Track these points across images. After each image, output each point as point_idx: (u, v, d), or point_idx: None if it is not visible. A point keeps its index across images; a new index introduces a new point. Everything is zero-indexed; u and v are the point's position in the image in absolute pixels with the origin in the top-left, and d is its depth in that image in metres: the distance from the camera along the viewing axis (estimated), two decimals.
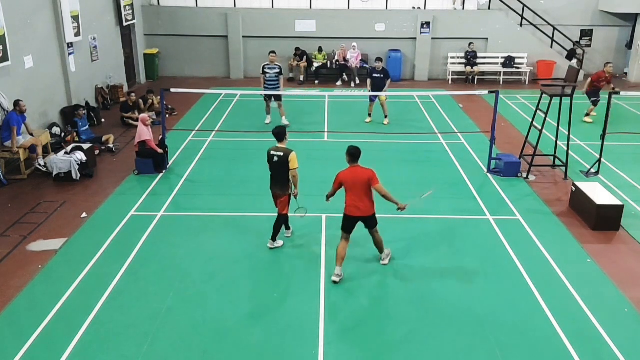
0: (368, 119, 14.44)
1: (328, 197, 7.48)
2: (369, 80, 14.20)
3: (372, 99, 14.27)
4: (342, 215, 7.25)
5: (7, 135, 10.59)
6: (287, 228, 8.47)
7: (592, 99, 14.72)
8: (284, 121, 13.74)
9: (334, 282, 7.13)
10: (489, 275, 7.47)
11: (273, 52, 13.85)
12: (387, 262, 7.65)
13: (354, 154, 7.25)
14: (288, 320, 6.47)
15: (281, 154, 7.72)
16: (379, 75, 13.90)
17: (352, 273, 7.41)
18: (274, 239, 8.11)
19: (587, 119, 14.80)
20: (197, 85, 17.97)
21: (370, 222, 7.29)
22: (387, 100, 14.44)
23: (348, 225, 7.23)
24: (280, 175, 7.79)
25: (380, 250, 7.66)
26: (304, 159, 11.47)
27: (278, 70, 13.59)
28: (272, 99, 13.79)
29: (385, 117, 14.28)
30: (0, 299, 6.80)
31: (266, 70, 13.55)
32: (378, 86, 13.93)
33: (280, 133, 7.86)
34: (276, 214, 8.04)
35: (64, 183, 10.38)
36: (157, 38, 19.79)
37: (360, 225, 7.28)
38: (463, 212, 9.37)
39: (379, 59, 14.08)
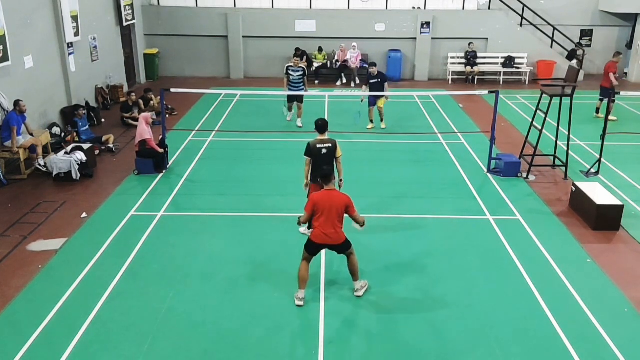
0: (370, 125, 14.03)
1: (300, 223, 6.77)
2: (364, 87, 13.99)
3: (371, 102, 13.94)
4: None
5: (7, 135, 10.58)
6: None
7: (607, 98, 14.23)
8: (299, 123, 13.95)
9: (298, 306, 6.63)
10: (489, 275, 7.47)
11: (297, 55, 14.11)
12: (361, 294, 6.84)
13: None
14: (288, 320, 6.47)
15: (329, 145, 7.91)
16: (375, 81, 13.56)
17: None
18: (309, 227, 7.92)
19: (611, 117, 14.07)
20: (197, 85, 17.96)
21: (342, 248, 6.69)
22: (389, 100, 14.35)
23: (313, 249, 6.68)
24: (329, 165, 7.53)
25: (355, 277, 6.84)
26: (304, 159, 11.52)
27: (301, 72, 13.76)
28: (296, 97, 13.97)
29: (381, 120, 14.00)
30: (0, 299, 6.80)
31: (290, 72, 13.77)
32: (377, 91, 13.59)
33: (324, 125, 7.98)
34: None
35: (64, 183, 10.38)
36: (157, 38, 19.79)
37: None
38: (463, 212, 9.37)
39: (372, 64, 13.70)
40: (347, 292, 7.02)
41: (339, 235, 6.58)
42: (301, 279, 6.68)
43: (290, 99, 14.05)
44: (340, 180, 8.09)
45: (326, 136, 7.98)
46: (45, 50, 13.03)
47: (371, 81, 13.68)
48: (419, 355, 5.93)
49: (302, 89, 13.87)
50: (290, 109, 14.36)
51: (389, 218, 9.11)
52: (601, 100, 14.97)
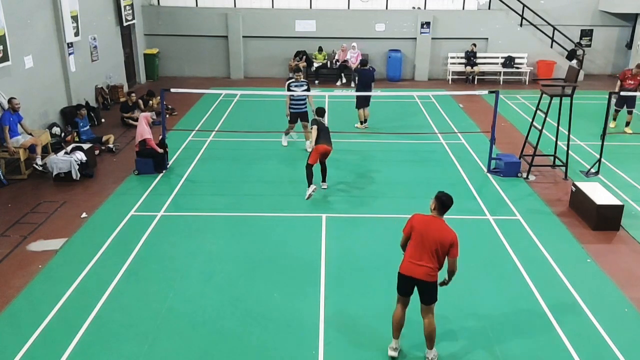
0: (358, 125, 13.98)
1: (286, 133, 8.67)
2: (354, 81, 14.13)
3: (360, 105, 13.73)
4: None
5: (3, 135, 10.52)
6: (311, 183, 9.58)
7: (617, 108, 13.67)
8: (308, 147, 11.76)
9: (392, 358, 5.79)
10: (489, 275, 7.47)
11: (298, 68, 12.47)
12: None
13: (445, 202, 5.69)
14: (288, 320, 6.47)
15: (326, 122, 10.36)
16: (361, 81, 13.60)
17: (352, 271, 7.41)
18: (324, 180, 10.16)
19: (627, 130, 13.60)
20: (197, 85, 17.96)
21: (431, 290, 5.53)
22: (381, 99, 14.34)
23: (403, 288, 5.63)
24: (329, 135, 10.06)
25: (431, 344, 5.71)
26: (304, 159, 11.50)
27: (306, 88, 11.90)
28: (298, 120, 12.05)
29: (365, 121, 13.93)
30: (0, 299, 6.80)
31: (292, 88, 11.75)
32: (364, 88, 13.45)
33: (324, 110, 10.51)
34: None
35: (64, 183, 10.38)
36: (157, 38, 19.79)
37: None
38: (463, 212, 9.36)
39: (364, 62, 14.07)
40: (348, 291, 7.03)
41: (428, 270, 5.42)
42: (394, 324, 5.71)
43: (293, 118, 11.99)
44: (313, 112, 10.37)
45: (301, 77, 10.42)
46: (45, 50, 13.03)
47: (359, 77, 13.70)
48: (418, 355, 5.92)
49: (305, 107, 11.92)
50: (288, 132, 12.36)
51: (389, 218, 9.10)
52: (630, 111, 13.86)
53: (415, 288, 5.54)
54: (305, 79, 12.73)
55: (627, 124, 13.73)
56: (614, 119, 13.94)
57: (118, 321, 6.39)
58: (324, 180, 10.15)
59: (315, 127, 9.83)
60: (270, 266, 7.65)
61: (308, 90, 12.02)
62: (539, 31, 20.18)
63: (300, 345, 6.04)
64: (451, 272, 5.58)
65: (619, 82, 13.78)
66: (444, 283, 5.67)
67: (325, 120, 10.41)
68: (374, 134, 13.40)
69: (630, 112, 13.68)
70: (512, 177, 10.79)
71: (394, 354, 5.73)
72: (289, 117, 12.08)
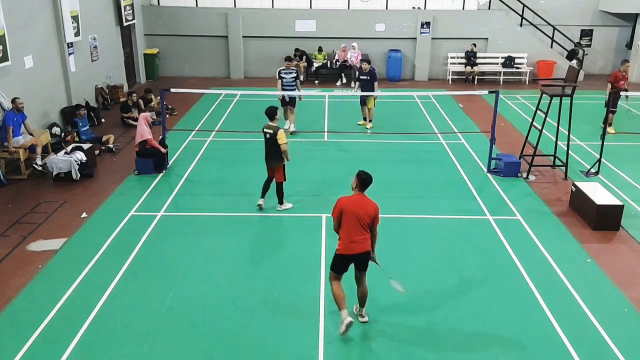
0: (361, 122, 14.17)
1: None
2: (357, 83, 14.11)
3: (361, 101, 14.02)
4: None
5: (6, 135, 10.55)
6: (281, 203, 9.21)
7: (611, 109, 13.35)
8: (292, 128, 13.44)
9: (348, 327, 6.07)
10: (489, 275, 7.47)
11: (289, 58, 13.74)
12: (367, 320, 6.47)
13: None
14: (288, 320, 6.47)
15: (272, 131, 8.85)
16: (365, 77, 13.66)
17: (352, 271, 7.40)
18: (280, 202, 9.22)
19: (610, 130, 13.43)
20: (197, 85, 17.97)
21: (366, 260, 6.22)
22: (377, 100, 14.34)
23: (342, 266, 6.21)
24: (273, 149, 8.90)
25: (363, 304, 6.46)
26: (304, 159, 11.52)
27: (294, 75, 13.40)
28: (288, 101, 13.40)
29: (370, 121, 14.00)
30: (0, 299, 6.80)
31: (282, 75, 13.33)
32: (365, 88, 13.68)
33: (272, 113, 9.00)
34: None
35: (64, 183, 10.38)
36: (157, 38, 19.79)
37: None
38: (463, 212, 9.37)
39: (366, 61, 13.93)
40: (347, 291, 7.01)
41: (368, 242, 6.11)
42: (338, 298, 6.14)
43: (283, 103, 13.39)
44: (288, 159, 8.98)
45: (275, 123, 8.94)
46: (45, 50, 13.03)
47: (361, 77, 13.82)
48: (418, 355, 5.93)
49: (294, 91, 13.32)
50: (286, 116, 13.55)
51: (389, 218, 9.09)
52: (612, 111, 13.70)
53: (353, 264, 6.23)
54: (294, 67, 13.73)
55: (610, 124, 13.60)
56: (611, 124, 13.60)
57: (118, 321, 6.39)
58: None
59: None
60: (270, 266, 7.66)
61: (297, 77, 13.45)
62: (539, 31, 20.19)
63: (300, 345, 6.04)
64: (374, 238, 6.24)
65: (609, 85, 13.71)
66: (373, 260, 6.31)
67: (276, 123, 8.95)
68: (374, 134, 13.40)
69: (613, 112, 13.61)
70: (512, 177, 10.80)
71: (350, 319, 6.10)
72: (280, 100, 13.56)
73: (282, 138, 8.76)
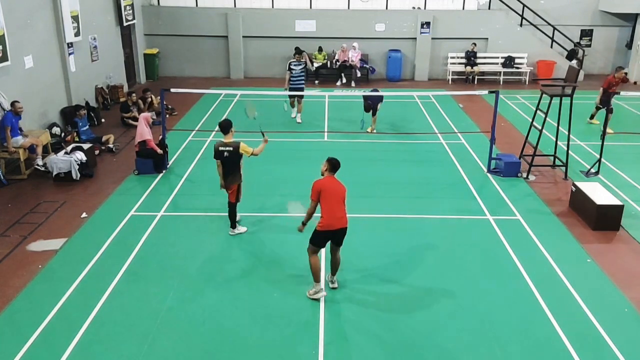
0: (370, 129, 14.13)
1: (304, 225, 6.91)
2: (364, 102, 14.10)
3: (374, 112, 13.86)
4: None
5: (4, 136, 10.55)
6: (234, 227, 8.46)
7: (604, 108, 13.47)
8: (298, 118, 14.38)
9: (313, 299, 6.80)
10: (489, 275, 7.47)
11: (299, 51, 14.38)
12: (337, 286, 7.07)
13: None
14: (288, 320, 6.47)
15: (231, 148, 7.94)
16: (369, 102, 13.58)
17: (352, 271, 7.41)
18: (233, 226, 8.43)
19: (593, 121, 14.52)
20: (197, 85, 17.96)
21: (344, 234, 6.80)
22: (385, 101, 14.28)
23: (322, 241, 6.79)
24: (234, 168, 8.06)
25: (335, 272, 7.10)
26: (304, 159, 11.53)
27: (303, 66, 14.20)
28: (297, 96, 14.32)
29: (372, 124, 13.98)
30: (0, 299, 6.80)
31: (292, 67, 14.06)
32: (375, 101, 13.65)
33: (226, 126, 8.03)
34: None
35: (64, 183, 10.38)
36: (157, 38, 19.79)
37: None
38: (463, 212, 9.37)
39: (374, 89, 14.28)
40: (348, 291, 7.03)
41: (346, 218, 6.73)
42: (317, 271, 6.79)
43: (292, 95, 14.34)
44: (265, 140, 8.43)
45: (230, 138, 8.00)
46: (45, 51, 13.03)
47: (368, 101, 13.63)
48: (418, 355, 5.93)
49: (303, 83, 14.22)
50: (292, 105, 14.62)
51: (389, 218, 9.11)
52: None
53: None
54: (303, 60, 14.37)
55: (592, 116, 14.45)
56: (593, 117, 14.63)
57: (118, 321, 6.39)
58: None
59: (217, 161, 8.07)
60: (270, 266, 7.66)
61: (305, 68, 14.32)
62: (539, 31, 20.18)
63: (300, 345, 6.04)
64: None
65: (601, 90, 13.88)
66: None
67: (231, 138, 8.06)
68: (374, 133, 13.39)
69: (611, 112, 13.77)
70: (512, 177, 10.80)
71: (325, 292, 6.82)
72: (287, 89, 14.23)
73: (247, 148, 7.97)
